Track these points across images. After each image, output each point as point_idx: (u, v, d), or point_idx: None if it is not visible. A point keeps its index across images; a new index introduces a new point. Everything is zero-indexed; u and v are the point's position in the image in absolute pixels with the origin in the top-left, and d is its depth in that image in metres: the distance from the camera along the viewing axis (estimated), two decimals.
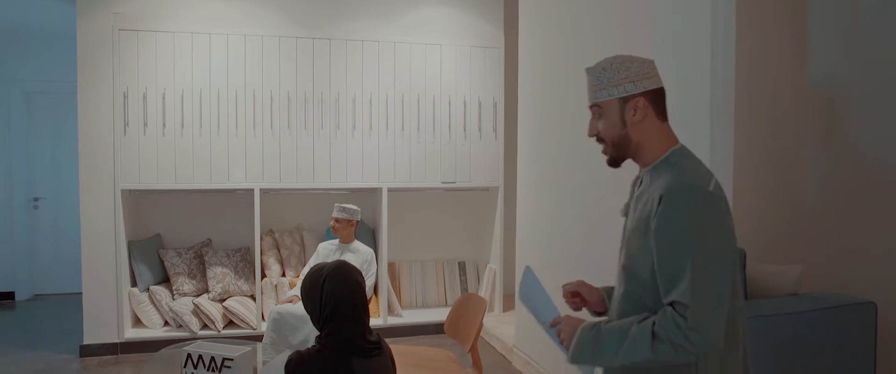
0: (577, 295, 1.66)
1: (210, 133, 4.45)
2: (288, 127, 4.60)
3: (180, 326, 4.40)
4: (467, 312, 3.16)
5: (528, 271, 1.70)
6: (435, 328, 4.77)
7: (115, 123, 4.30)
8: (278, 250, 4.87)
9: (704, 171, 1.40)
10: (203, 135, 4.44)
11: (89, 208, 4.32)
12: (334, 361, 1.82)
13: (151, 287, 4.50)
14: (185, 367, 2.39)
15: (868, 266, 2.74)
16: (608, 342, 1.37)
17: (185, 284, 4.57)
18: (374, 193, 5.12)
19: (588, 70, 1.49)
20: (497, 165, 5.06)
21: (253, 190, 4.57)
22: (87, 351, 4.33)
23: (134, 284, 4.51)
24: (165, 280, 4.69)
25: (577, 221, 3.47)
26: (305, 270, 4.31)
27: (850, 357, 2.36)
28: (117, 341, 4.37)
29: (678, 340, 1.26)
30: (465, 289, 5.35)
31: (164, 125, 4.37)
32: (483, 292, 5.18)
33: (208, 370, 2.36)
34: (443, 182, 4.95)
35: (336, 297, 1.86)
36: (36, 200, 6.18)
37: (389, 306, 4.90)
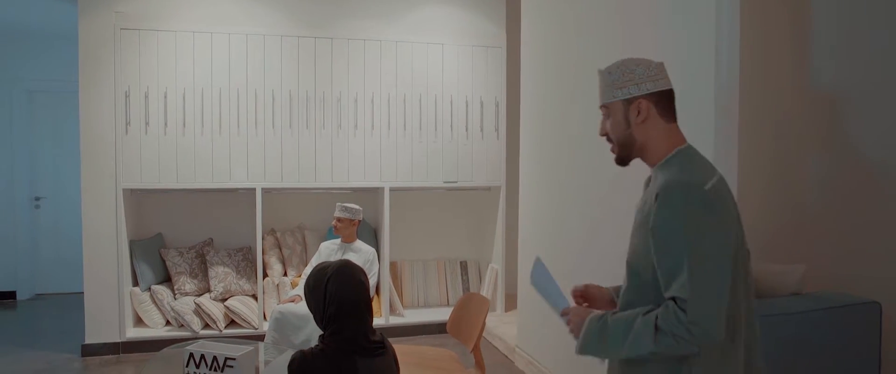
0: (584, 298, 1.69)
1: (212, 132, 4.45)
2: (290, 126, 4.60)
3: (182, 325, 4.40)
4: (469, 311, 3.16)
5: (538, 262, 1.73)
6: (437, 328, 4.77)
7: (117, 123, 4.30)
8: (280, 250, 4.87)
9: (706, 169, 1.43)
10: (205, 134, 4.44)
11: (91, 207, 4.32)
12: (338, 360, 1.81)
13: (153, 287, 4.50)
14: (187, 366, 2.39)
15: (871, 266, 2.73)
16: (614, 333, 1.41)
17: (186, 283, 4.57)
18: (375, 192, 5.12)
19: (599, 72, 1.56)
20: (499, 165, 5.06)
21: (255, 189, 4.57)
22: (89, 351, 4.33)
23: (135, 283, 4.51)
24: (167, 280, 4.69)
25: (579, 220, 3.46)
26: (307, 269, 4.31)
27: (855, 357, 2.35)
28: (119, 340, 4.37)
29: (680, 333, 1.30)
30: (466, 289, 5.35)
31: (165, 124, 4.37)
32: (485, 292, 5.18)
33: (210, 369, 2.36)
34: (445, 182, 4.95)
35: (340, 296, 1.85)
36: (37, 199, 6.18)
37: (391, 306, 4.90)
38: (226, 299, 4.59)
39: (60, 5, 4.93)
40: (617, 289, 1.66)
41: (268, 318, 4.02)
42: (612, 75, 1.50)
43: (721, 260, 1.33)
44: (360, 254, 4.03)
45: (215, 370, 2.36)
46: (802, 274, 2.55)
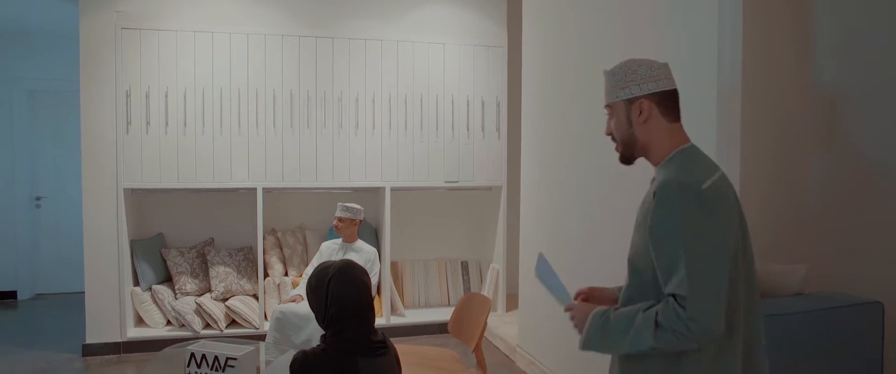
0: (586, 301, 1.69)
1: (213, 132, 4.45)
2: (291, 126, 4.59)
3: (183, 325, 4.40)
4: (471, 311, 3.16)
5: (541, 258, 1.73)
6: (438, 328, 4.76)
7: (118, 122, 4.30)
8: (281, 250, 4.87)
9: (706, 168, 1.44)
10: (206, 134, 4.44)
11: (92, 207, 4.32)
12: (340, 360, 1.81)
13: (154, 286, 4.50)
14: (188, 366, 2.39)
15: (874, 266, 2.73)
16: (615, 329, 1.43)
17: (187, 283, 4.57)
18: (376, 192, 5.11)
19: (604, 73, 1.59)
20: (500, 165, 5.05)
21: (256, 189, 4.56)
22: (90, 350, 4.33)
23: (136, 283, 4.51)
24: (168, 279, 4.68)
25: (580, 220, 3.46)
26: (308, 269, 4.30)
27: (857, 358, 2.35)
28: (120, 340, 4.36)
29: (679, 329, 1.32)
30: (467, 288, 5.35)
31: (166, 124, 4.37)
32: (486, 292, 5.18)
33: (212, 369, 2.36)
34: (446, 181, 4.94)
35: (342, 297, 1.85)
36: (38, 199, 6.18)
37: (392, 306, 4.90)
38: (227, 299, 4.58)
39: (61, 4, 4.93)
40: (620, 289, 1.66)
41: (269, 318, 4.01)
42: (616, 76, 1.53)
43: (719, 257, 1.34)
44: (362, 254, 4.02)
45: (216, 369, 2.35)
46: (804, 274, 2.55)
